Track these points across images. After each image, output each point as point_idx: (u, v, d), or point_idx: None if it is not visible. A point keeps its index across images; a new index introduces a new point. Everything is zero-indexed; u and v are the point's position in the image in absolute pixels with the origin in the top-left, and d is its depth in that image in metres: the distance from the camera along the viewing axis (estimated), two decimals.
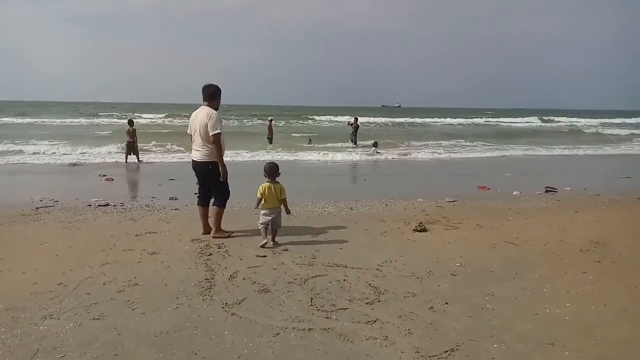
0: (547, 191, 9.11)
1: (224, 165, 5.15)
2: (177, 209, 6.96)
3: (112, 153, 15.81)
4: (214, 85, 5.29)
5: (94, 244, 5.04)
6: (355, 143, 20.41)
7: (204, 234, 5.38)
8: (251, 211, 6.73)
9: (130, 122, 14.24)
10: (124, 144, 14.33)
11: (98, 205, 7.14)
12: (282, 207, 5.10)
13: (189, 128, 5.36)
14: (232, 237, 5.33)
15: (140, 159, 13.78)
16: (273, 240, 5.00)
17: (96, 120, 37.13)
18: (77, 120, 37.40)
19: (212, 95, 5.23)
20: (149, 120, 39.19)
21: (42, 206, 7.03)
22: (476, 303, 3.52)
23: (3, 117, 37.44)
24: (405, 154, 17.77)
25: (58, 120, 35.32)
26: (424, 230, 5.73)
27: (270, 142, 20.18)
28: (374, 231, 5.73)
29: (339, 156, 16.27)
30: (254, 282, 3.91)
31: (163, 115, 44.07)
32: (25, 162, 13.84)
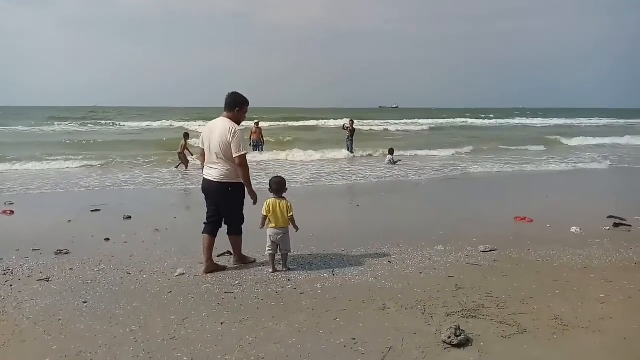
0: (616, 225, 6.39)
1: (252, 189, 4.49)
2: (45, 281, 4.21)
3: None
4: (240, 94, 4.48)
5: None
6: (352, 150, 17.69)
7: (206, 272, 4.40)
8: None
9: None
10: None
11: None
12: (290, 226, 4.49)
13: (201, 141, 4.53)
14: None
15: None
16: (285, 265, 4.51)
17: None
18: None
19: (233, 104, 4.42)
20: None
21: None
22: None
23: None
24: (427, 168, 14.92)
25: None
26: (464, 343, 3.00)
27: (258, 150, 17.40)
28: (370, 346, 2.99)
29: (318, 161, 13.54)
30: None
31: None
32: None
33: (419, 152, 18.34)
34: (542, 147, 20.33)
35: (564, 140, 23.60)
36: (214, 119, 4.53)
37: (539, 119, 53.87)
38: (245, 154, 4.36)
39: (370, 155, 17.25)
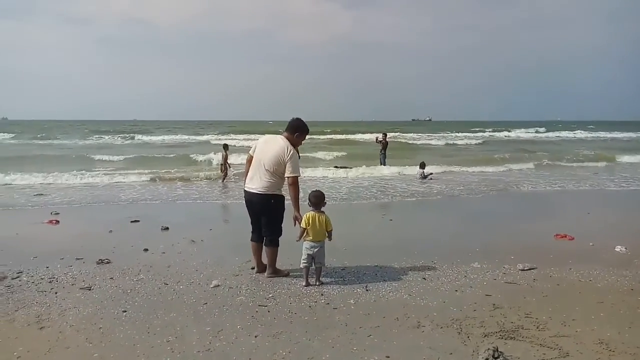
0: None
1: (298, 209, 4.58)
2: (87, 290, 4.38)
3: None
4: (304, 122, 4.77)
5: None
6: (385, 163, 17.58)
7: (258, 272, 4.85)
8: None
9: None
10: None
11: None
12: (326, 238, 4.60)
13: (253, 149, 4.78)
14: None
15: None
16: (318, 279, 4.55)
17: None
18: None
19: (295, 128, 4.69)
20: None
21: None
22: None
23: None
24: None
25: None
26: None
27: None
28: None
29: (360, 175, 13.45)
30: None
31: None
32: None
33: (470, 169, 17.02)
34: (603, 164, 19.20)
35: (623, 157, 21.44)
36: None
37: (582, 131, 52.06)
38: (299, 176, 4.60)
39: (405, 169, 16.85)
